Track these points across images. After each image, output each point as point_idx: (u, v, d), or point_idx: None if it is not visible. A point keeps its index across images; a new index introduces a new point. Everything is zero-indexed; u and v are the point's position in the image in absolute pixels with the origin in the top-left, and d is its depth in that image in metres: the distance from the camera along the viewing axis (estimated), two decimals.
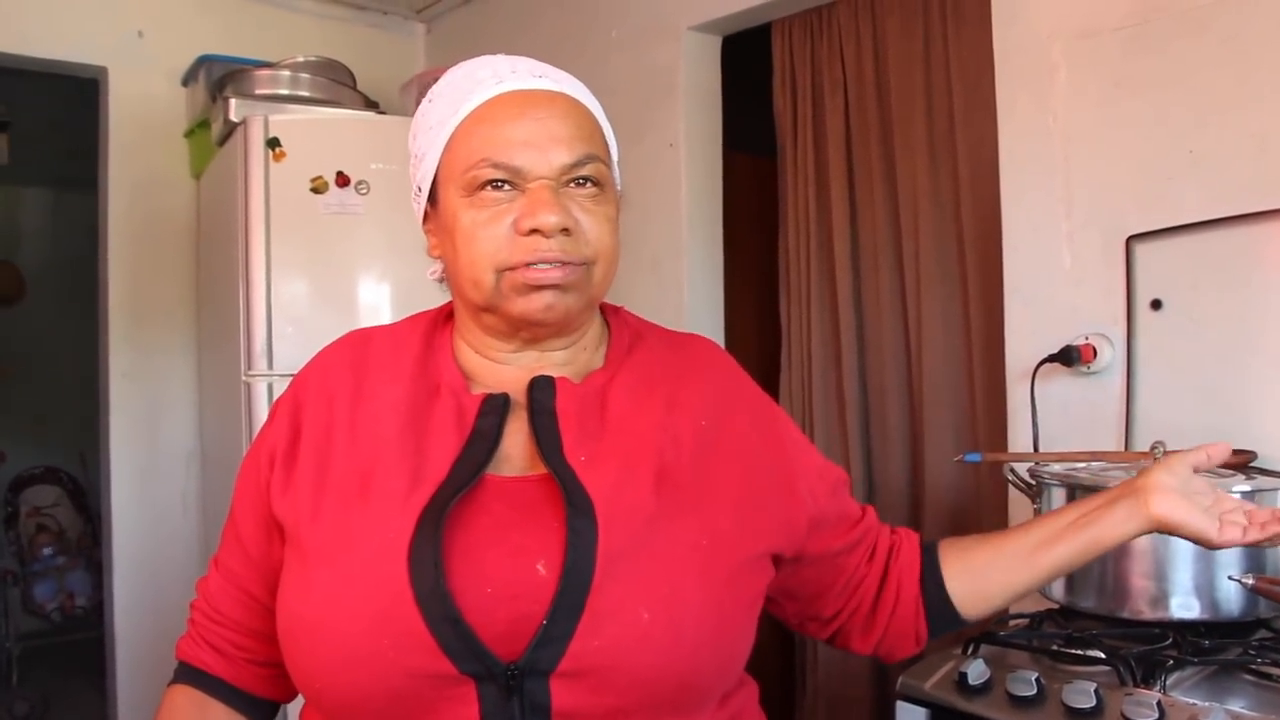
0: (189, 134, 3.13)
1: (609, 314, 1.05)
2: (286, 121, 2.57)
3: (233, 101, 2.64)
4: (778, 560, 0.98)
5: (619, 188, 1.00)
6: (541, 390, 0.94)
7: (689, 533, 0.88)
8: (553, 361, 0.97)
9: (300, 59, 2.90)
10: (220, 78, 2.84)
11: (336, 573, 0.86)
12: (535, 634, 0.81)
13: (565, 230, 0.89)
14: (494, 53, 0.99)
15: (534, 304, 0.91)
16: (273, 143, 2.53)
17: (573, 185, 0.92)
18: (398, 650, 0.81)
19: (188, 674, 1.02)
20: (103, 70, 3.07)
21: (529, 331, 0.95)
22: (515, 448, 0.92)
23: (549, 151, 0.90)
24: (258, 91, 2.74)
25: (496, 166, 0.90)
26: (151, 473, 3.16)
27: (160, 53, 3.11)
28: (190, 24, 3.14)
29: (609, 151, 0.98)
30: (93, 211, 3.21)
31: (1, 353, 5.32)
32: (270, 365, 2.53)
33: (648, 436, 0.92)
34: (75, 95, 3.27)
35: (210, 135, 2.87)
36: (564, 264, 0.89)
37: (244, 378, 2.55)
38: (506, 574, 0.83)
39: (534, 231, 0.88)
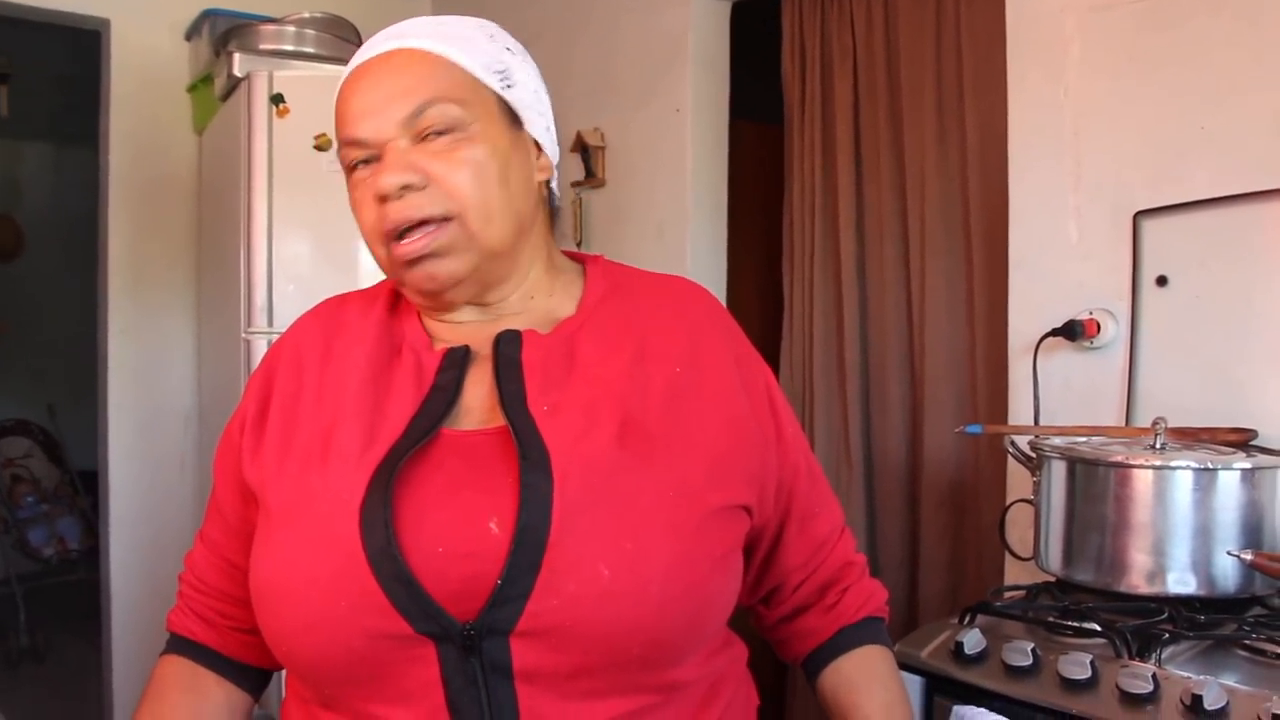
0: (192, 89, 3.10)
1: (587, 263, 1.03)
2: (291, 78, 2.55)
3: (237, 56, 2.62)
4: (750, 513, 0.94)
5: (526, 119, 0.95)
6: (508, 343, 0.92)
7: (655, 484, 0.84)
8: (502, 313, 0.96)
9: (306, 15, 2.86)
10: (224, 32, 2.81)
11: (295, 534, 0.85)
12: (490, 593, 0.79)
13: (408, 187, 0.87)
14: (498, 15, 0.98)
15: (417, 277, 0.90)
16: (276, 99, 2.51)
17: (432, 136, 0.89)
18: (354, 611, 0.80)
19: (178, 644, 1.02)
20: (105, 22, 3.03)
21: (435, 301, 0.94)
22: (476, 400, 0.90)
23: (385, 112, 0.88)
24: (262, 47, 2.71)
25: (348, 144, 0.90)
26: (149, 430, 3.16)
27: (164, 5, 3.08)
28: None
29: (478, 87, 0.92)
30: (93, 166, 3.19)
31: None
32: (270, 323, 2.52)
33: (614, 384, 0.89)
34: (77, 48, 3.25)
35: (213, 90, 2.85)
36: (425, 224, 0.88)
37: (244, 335, 2.55)
38: (458, 532, 0.81)
39: (385, 199, 0.88)
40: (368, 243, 0.93)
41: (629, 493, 0.83)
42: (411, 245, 0.88)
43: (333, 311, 1.01)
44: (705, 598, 0.86)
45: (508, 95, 0.94)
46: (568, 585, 0.79)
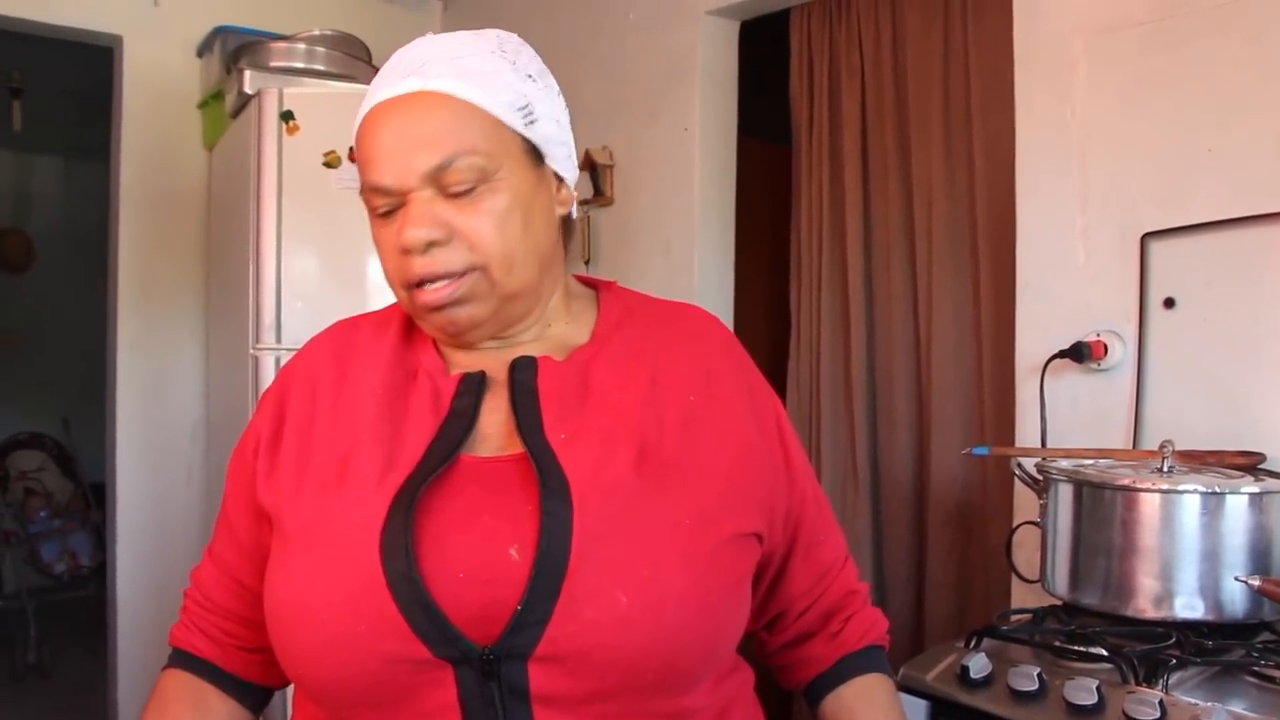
0: (202, 105, 3.12)
1: (601, 289, 1.04)
2: (301, 95, 2.56)
3: (247, 73, 2.63)
4: (760, 540, 0.95)
5: (548, 154, 0.94)
6: (524, 370, 0.92)
7: (671, 512, 0.85)
8: (519, 341, 0.96)
9: (316, 32, 2.89)
10: (235, 49, 2.83)
11: (313, 557, 0.85)
12: (510, 619, 0.80)
13: (433, 243, 0.87)
14: (510, 30, 0.97)
15: (438, 321, 0.91)
16: (286, 116, 2.52)
17: (455, 188, 0.88)
18: (373, 635, 0.80)
19: (181, 659, 1.02)
20: (118, 39, 3.06)
21: (454, 341, 0.95)
22: (493, 426, 0.91)
23: (411, 160, 0.87)
24: (273, 64, 2.73)
25: (373, 190, 0.90)
26: (156, 444, 3.16)
27: (176, 22, 3.10)
28: None
29: (501, 131, 0.89)
30: (104, 181, 3.21)
31: (9, 320, 5.35)
32: (278, 339, 2.53)
33: (630, 413, 0.90)
34: (90, 63, 3.27)
35: (224, 107, 2.87)
36: (449, 276, 0.88)
37: (251, 351, 2.55)
38: (478, 558, 0.82)
39: (407, 251, 0.88)
40: (389, 283, 0.93)
41: (646, 520, 0.84)
42: (434, 295, 0.88)
43: (345, 334, 1.01)
44: (719, 624, 0.87)
45: (530, 133, 0.92)
46: (586, 611, 0.79)
